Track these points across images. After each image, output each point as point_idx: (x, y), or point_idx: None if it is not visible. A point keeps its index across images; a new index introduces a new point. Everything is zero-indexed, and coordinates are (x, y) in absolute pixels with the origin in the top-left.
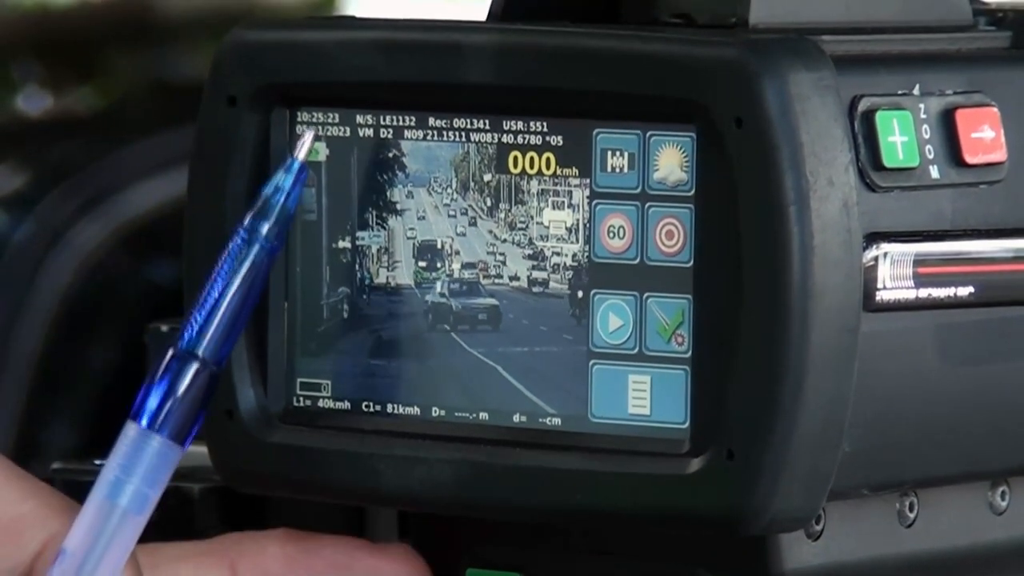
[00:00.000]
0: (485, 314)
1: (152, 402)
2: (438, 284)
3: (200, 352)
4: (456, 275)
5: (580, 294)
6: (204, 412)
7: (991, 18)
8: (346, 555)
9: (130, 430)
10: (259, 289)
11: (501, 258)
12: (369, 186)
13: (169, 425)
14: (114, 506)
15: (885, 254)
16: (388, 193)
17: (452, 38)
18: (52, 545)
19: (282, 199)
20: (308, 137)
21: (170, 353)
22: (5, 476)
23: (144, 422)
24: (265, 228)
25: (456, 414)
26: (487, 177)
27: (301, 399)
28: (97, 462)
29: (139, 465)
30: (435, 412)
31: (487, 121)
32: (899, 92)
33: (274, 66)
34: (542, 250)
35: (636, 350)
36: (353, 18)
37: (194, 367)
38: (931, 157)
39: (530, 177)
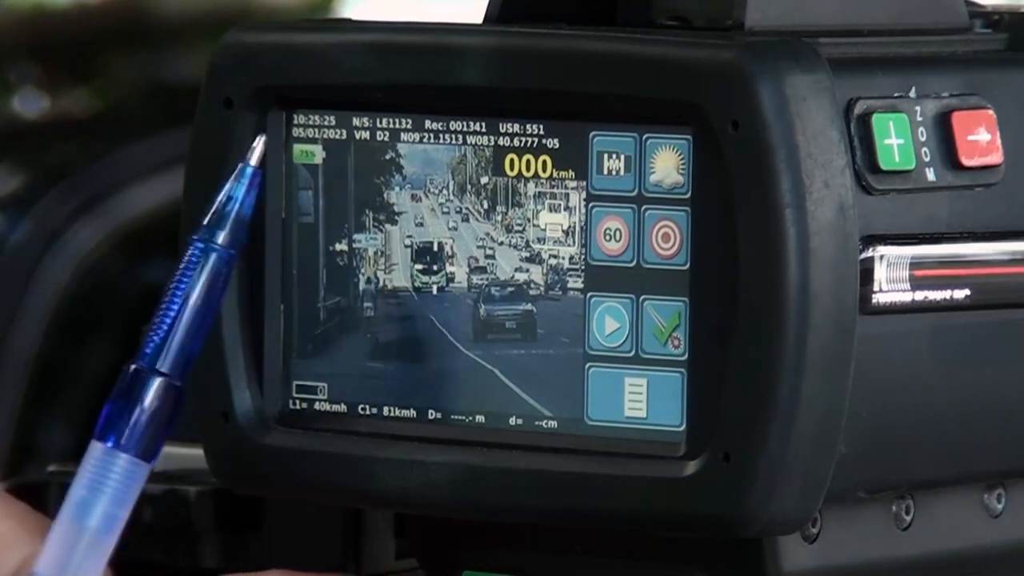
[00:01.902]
0: (514, 322)
1: (116, 421)
2: (485, 290)
3: (162, 367)
4: (455, 279)
5: (576, 297)
6: (170, 427)
7: (987, 20)
8: None
9: (95, 450)
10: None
11: (498, 260)
12: (366, 189)
13: (135, 443)
14: (83, 528)
15: (881, 256)
16: (385, 196)
17: (448, 40)
18: (28, 564)
19: (236, 207)
20: (259, 143)
21: (132, 369)
22: None
23: (109, 442)
24: (221, 237)
25: (452, 417)
26: (484, 180)
27: (297, 402)
28: None
29: (106, 485)
30: (431, 415)
31: (484, 124)
32: (895, 95)
33: (270, 68)
34: (539, 252)
35: (632, 353)
36: (349, 20)
37: (156, 382)
38: (927, 159)
39: (527, 180)
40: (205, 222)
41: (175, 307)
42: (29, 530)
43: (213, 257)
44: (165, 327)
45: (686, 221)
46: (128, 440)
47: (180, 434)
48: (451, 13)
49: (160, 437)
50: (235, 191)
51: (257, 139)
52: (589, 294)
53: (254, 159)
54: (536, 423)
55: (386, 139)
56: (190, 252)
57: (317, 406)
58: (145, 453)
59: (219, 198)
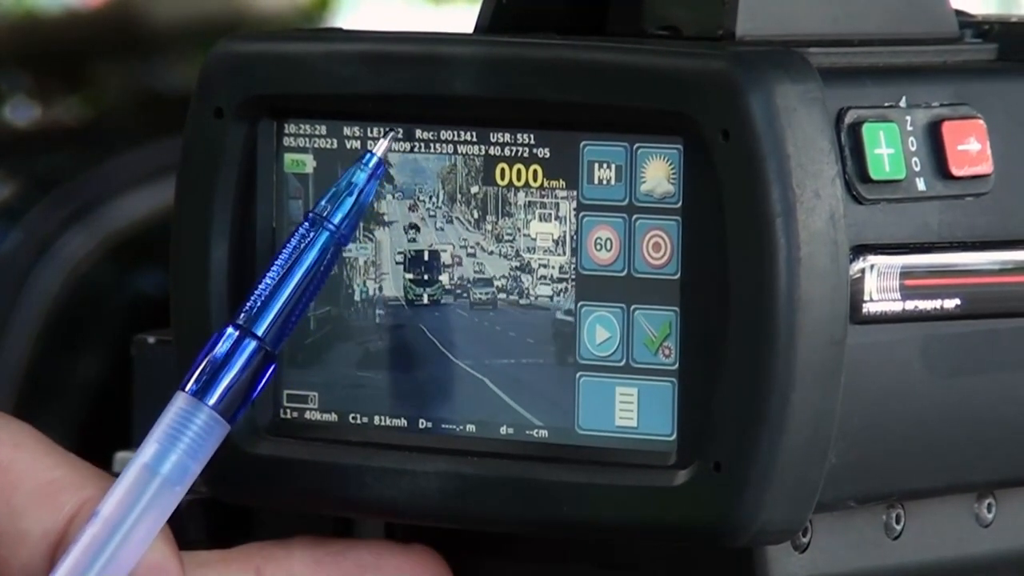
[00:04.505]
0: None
1: (205, 374)
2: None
3: (258, 331)
4: (446, 289)
5: (567, 306)
6: (254, 394)
7: (977, 30)
8: (373, 556)
9: (178, 399)
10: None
11: (488, 270)
12: None
13: (219, 399)
14: (154, 474)
15: (872, 266)
16: (375, 205)
17: (439, 50)
18: (86, 509)
19: (355, 193)
20: (389, 135)
21: (229, 327)
22: (36, 443)
23: (194, 393)
24: (336, 218)
25: (443, 426)
26: (474, 189)
27: (288, 411)
28: None
29: (184, 435)
30: (422, 424)
31: (474, 133)
32: (886, 104)
33: (261, 78)
34: (529, 262)
35: (623, 362)
36: (340, 30)
37: (251, 345)
38: (917, 169)
39: (517, 189)
40: (323, 201)
41: (277, 274)
42: (84, 476)
43: (324, 235)
44: (266, 291)
45: (677, 230)
46: (213, 395)
47: None
48: (442, 22)
49: (243, 400)
50: (357, 178)
51: (388, 134)
52: (580, 303)
53: (380, 150)
54: (527, 432)
55: None
56: (301, 225)
57: (308, 415)
58: (226, 412)
59: (340, 183)
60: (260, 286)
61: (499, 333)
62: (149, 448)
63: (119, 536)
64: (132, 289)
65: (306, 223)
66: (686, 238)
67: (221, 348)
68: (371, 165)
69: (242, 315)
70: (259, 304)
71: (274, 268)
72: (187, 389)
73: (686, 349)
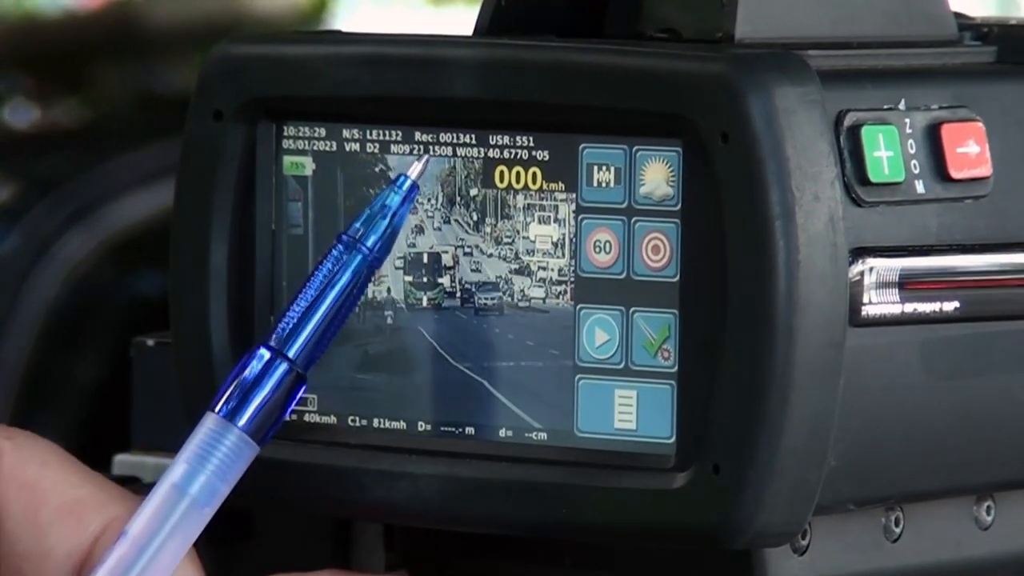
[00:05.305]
0: None
1: (235, 395)
2: None
3: (290, 353)
4: (445, 292)
5: (566, 309)
6: (284, 415)
7: (976, 33)
8: None
9: (208, 420)
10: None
11: (487, 272)
12: (355, 201)
13: (249, 421)
14: (183, 494)
15: (871, 269)
16: None
17: (438, 53)
18: (112, 528)
19: (388, 216)
20: (424, 159)
21: (260, 348)
22: (62, 461)
23: (225, 414)
24: (369, 240)
25: (442, 428)
26: (473, 192)
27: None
28: None
29: (213, 456)
30: (421, 427)
31: (473, 136)
32: (885, 107)
33: (260, 80)
34: (528, 264)
35: (622, 365)
36: (340, 32)
37: (282, 367)
38: (916, 172)
39: (516, 192)
40: (356, 224)
41: (311, 296)
42: (112, 494)
43: (358, 258)
44: (299, 313)
45: (676, 233)
46: (243, 417)
47: (170, 444)
48: (441, 24)
49: (274, 422)
50: (391, 200)
51: (423, 157)
52: (579, 306)
53: (414, 173)
54: (526, 435)
55: (376, 151)
56: (335, 247)
57: (307, 418)
58: (256, 434)
59: (374, 205)
60: (293, 308)
61: (498, 336)
62: (178, 468)
63: (146, 557)
64: (131, 291)
65: (340, 246)
66: (685, 241)
67: (252, 370)
68: (405, 188)
69: (274, 337)
70: (291, 326)
71: (308, 290)
72: (217, 410)
73: (685, 352)
